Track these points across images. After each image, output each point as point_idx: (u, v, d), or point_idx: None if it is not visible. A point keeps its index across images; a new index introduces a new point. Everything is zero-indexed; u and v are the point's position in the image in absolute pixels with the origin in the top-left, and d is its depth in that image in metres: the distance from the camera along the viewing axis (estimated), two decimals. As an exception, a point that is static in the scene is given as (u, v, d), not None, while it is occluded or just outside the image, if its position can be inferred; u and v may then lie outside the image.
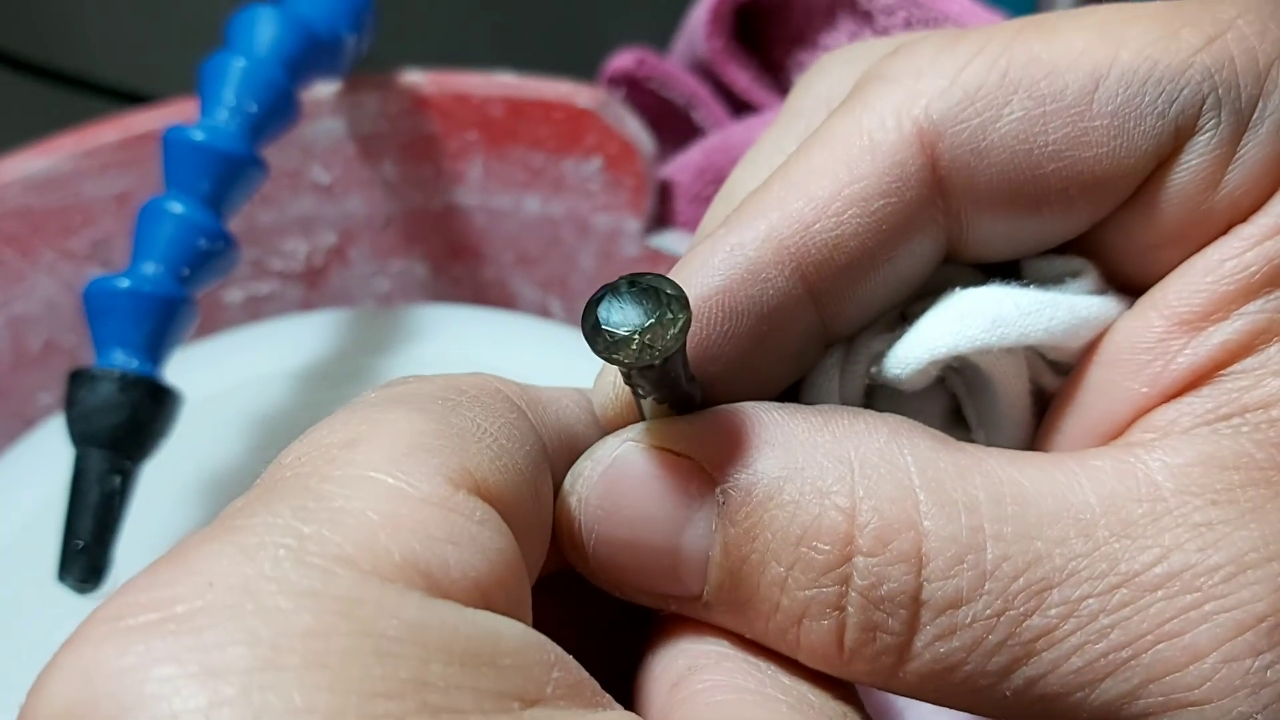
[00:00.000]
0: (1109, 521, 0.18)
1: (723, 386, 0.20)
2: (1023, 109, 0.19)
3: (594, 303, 0.17)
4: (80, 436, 0.31)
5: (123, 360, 0.32)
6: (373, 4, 0.41)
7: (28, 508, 0.37)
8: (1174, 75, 0.19)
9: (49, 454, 0.37)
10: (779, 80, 0.46)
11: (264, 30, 0.35)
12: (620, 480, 0.19)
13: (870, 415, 0.19)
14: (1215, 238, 0.20)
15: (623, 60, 0.47)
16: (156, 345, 0.32)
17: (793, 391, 0.22)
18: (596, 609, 0.22)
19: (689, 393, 0.19)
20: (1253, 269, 0.19)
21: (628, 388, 0.19)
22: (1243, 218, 0.19)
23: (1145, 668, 0.18)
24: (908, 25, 0.40)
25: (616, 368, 0.19)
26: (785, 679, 0.19)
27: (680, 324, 0.17)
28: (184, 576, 0.15)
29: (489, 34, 0.82)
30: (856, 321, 0.21)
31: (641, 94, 0.48)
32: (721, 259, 0.19)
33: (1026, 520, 0.18)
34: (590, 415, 0.21)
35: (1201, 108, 0.19)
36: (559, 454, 0.20)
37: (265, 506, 0.16)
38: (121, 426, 0.31)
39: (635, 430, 0.20)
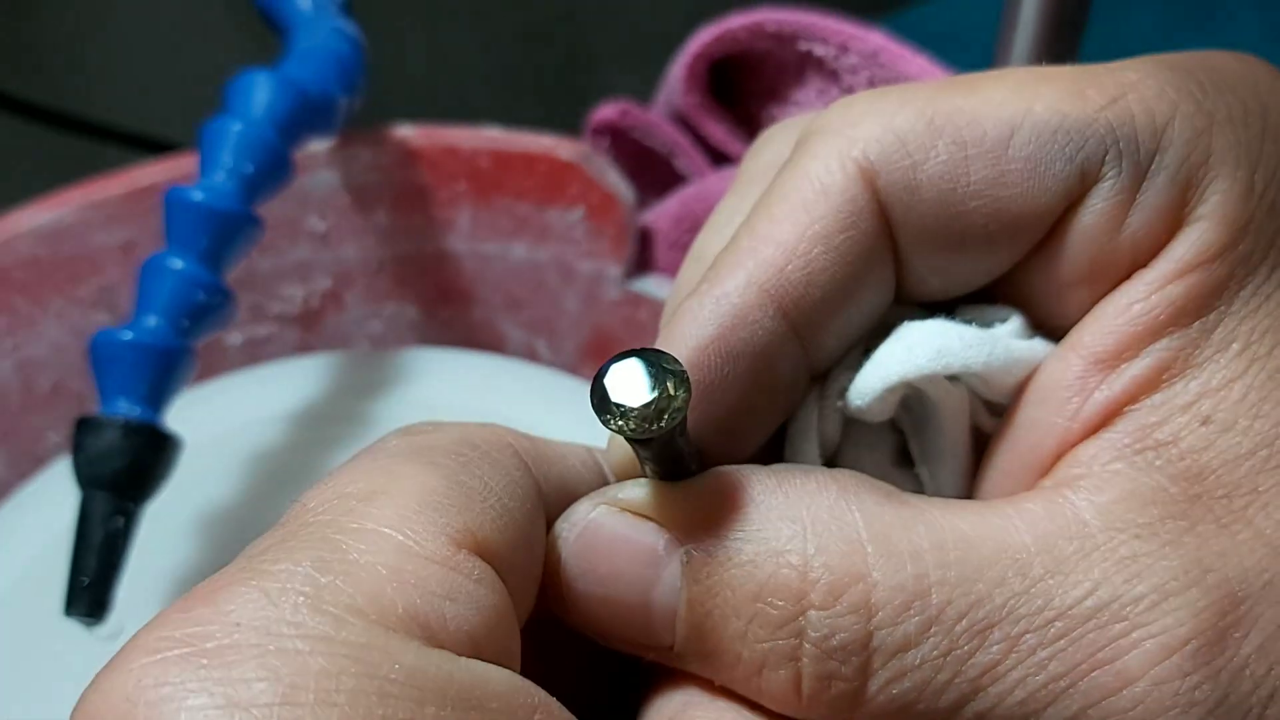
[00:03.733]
0: (1043, 560, 0.19)
1: (727, 428, 0.22)
2: (948, 152, 0.21)
3: (602, 375, 0.18)
4: (86, 480, 0.33)
5: (126, 408, 0.34)
6: (364, 66, 0.43)
7: (37, 543, 0.39)
8: (1080, 128, 0.21)
9: (56, 494, 0.39)
10: (753, 132, 0.48)
11: (260, 95, 0.38)
12: (594, 541, 0.21)
13: (821, 474, 0.21)
14: (1121, 277, 0.21)
15: (607, 111, 0.49)
16: (158, 394, 0.34)
17: (780, 431, 0.24)
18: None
19: (687, 464, 0.21)
20: (1157, 310, 0.21)
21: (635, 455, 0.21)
22: (1144, 259, 0.21)
23: (1083, 694, 0.19)
24: (871, 83, 0.42)
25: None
26: None
27: (681, 400, 0.18)
28: (214, 615, 0.16)
29: (489, 85, 0.84)
30: (835, 353, 0.23)
31: (626, 142, 0.50)
32: (710, 310, 0.21)
33: (968, 564, 0.19)
34: (592, 473, 0.23)
35: (1104, 158, 0.21)
36: (557, 509, 0.22)
37: (288, 554, 0.18)
38: (124, 471, 0.33)
39: (608, 493, 0.21)
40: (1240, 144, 0.21)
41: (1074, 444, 0.21)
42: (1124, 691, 0.19)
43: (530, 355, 0.50)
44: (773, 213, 0.22)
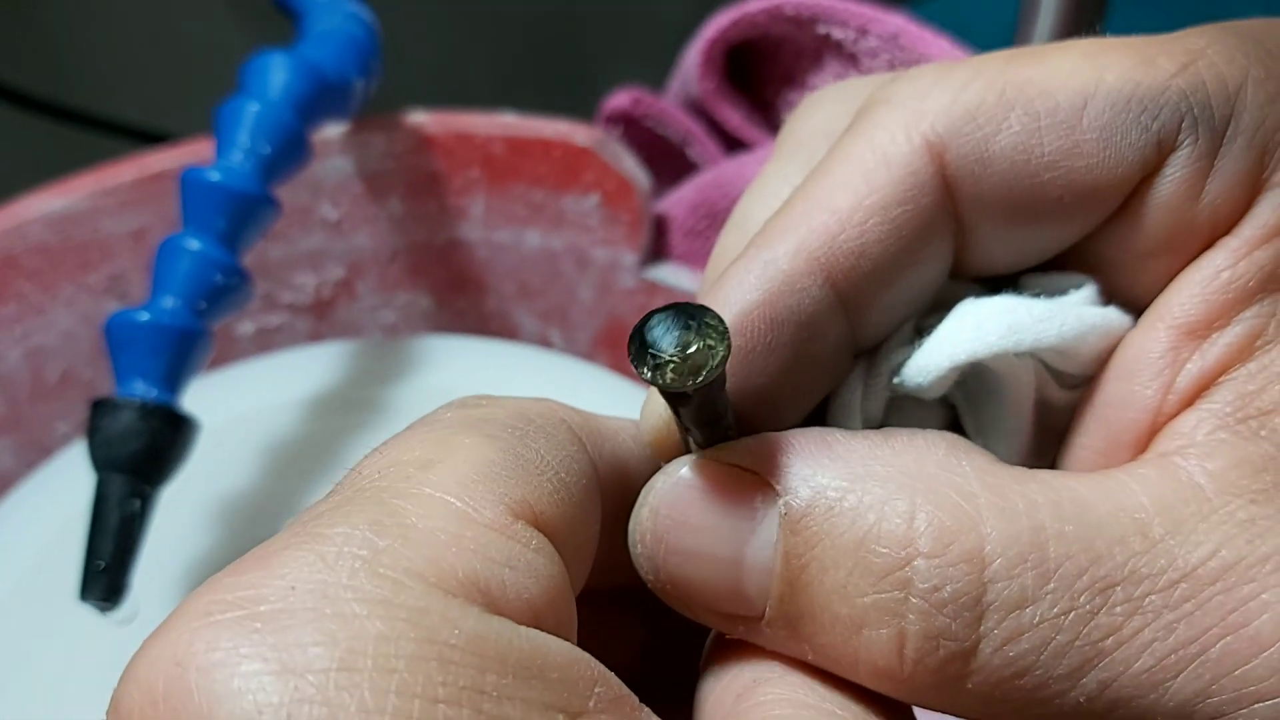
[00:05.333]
0: (1162, 520, 0.19)
1: (767, 398, 0.21)
2: (1020, 123, 0.21)
3: (641, 326, 0.18)
4: (102, 462, 0.32)
5: (143, 389, 0.33)
6: (380, 49, 0.43)
7: (49, 532, 0.38)
8: (1154, 96, 0.20)
9: (68, 481, 0.39)
10: (769, 118, 0.48)
11: (276, 75, 0.37)
12: (690, 492, 0.20)
13: (929, 433, 0.20)
14: (1200, 246, 0.21)
15: (619, 100, 0.49)
16: (175, 375, 0.34)
17: (820, 408, 0.23)
18: (662, 622, 0.23)
19: (726, 428, 0.20)
20: (1246, 277, 0.20)
21: (674, 417, 0.20)
22: (1223, 226, 0.21)
23: (1214, 662, 0.18)
24: (890, 67, 0.41)
25: (662, 396, 0.19)
26: (843, 698, 0.19)
27: (722, 350, 0.17)
28: (268, 579, 0.16)
29: (495, 75, 0.84)
30: (882, 329, 0.22)
31: (639, 131, 0.50)
32: (757, 274, 0.20)
33: (1085, 520, 0.18)
34: (645, 449, 0.22)
35: (1180, 125, 0.20)
36: (610, 483, 0.21)
37: (345, 518, 0.17)
38: (141, 453, 0.32)
39: (705, 450, 0.20)
40: None
41: (1170, 417, 0.21)
42: (1258, 658, 0.18)
43: (544, 344, 0.50)
44: (830, 179, 0.21)
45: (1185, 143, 0.21)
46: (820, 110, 0.25)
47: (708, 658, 0.21)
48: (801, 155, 0.24)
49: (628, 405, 0.23)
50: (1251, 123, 0.20)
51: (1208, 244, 0.21)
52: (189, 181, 0.35)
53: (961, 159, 0.21)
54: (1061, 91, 0.21)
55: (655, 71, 0.53)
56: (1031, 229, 0.22)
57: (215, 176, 0.35)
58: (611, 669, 0.19)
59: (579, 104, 0.52)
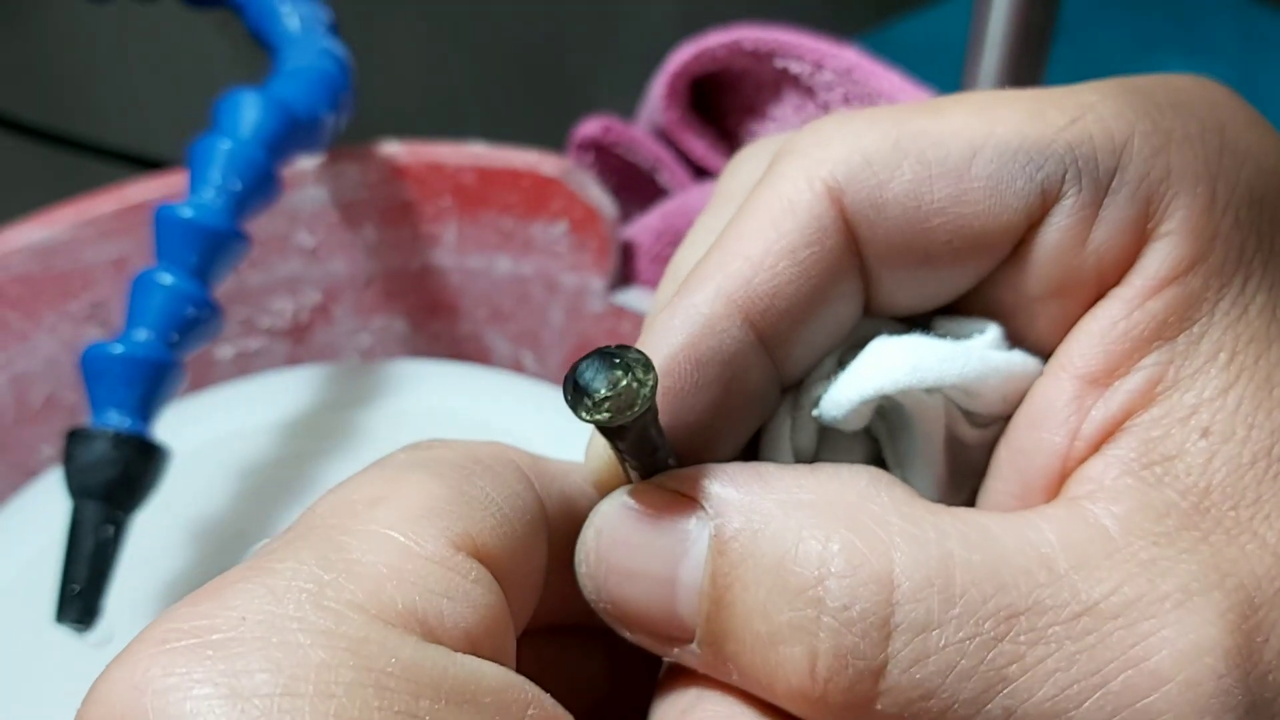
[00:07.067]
0: (1067, 556, 0.20)
1: (700, 434, 0.23)
2: (912, 171, 0.22)
3: (573, 372, 0.19)
4: (76, 490, 0.34)
5: (116, 419, 0.34)
6: (351, 85, 0.44)
7: (29, 553, 0.39)
8: (1041, 148, 0.22)
9: (48, 504, 0.40)
10: (733, 147, 0.49)
11: (248, 113, 0.38)
12: (631, 514, 0.21)
13: (854, 467, 0.22)
14: (1090, 291, 0.22)
15: (590, 128, 0.50)
16: (147, 405, 0.35)
17: (754, 441, 0.24)
18: (621, 657, 0.24)
19: (664, 459, 0.22)
20: (1141, 326, 0.21)
21: (615, 454, 0.22)
22: (1111, 273, 0.22)
23: (1115, 695, 0.19)
24: (845, 99, 0.43)
25: (601, 435, 0.21)
26: None
27: (650, 382, 0.19)
28: (220, 609, 0.17)
29: (484, 99, 0.85)
30: (805, 364, 0.24)
31: (610, 158, 0.51)
32: (680, 320, 0.22)
33: (992, 551, 0.20)
34: (592, 488, 0.24)
35: (1064, 176, 0.22)
36: (559, 522, 0.22)
37: (294, 554, 0.19)
38: (114, 481, 0.33)
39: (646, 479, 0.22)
40: (1199, 159, 0.22)
41: (1079, 462, 0.22)
42: (1158, 692, 0.19)
43: (516, 367, 0.51)
44: (742, 229, 0.22)
45: (1069, 193, 0.22)
46: (747, 164, 0.26)
47: (661, 683, 0.23)
48: (728, 208, 0.25)
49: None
50: (1136, 174, 0.21)
51: (1098, 289, 0.22)
52: (162, 217, 0.36)
53: (858, 204, 0.22)
54: (953, 142, 0.22)
55: (641, 98, 0.54)
56: (927, 272, 0.23)
57: (188, 213, 0.36)
58: (572, 702, 0.20)
59: (564, 131, 0.53)
